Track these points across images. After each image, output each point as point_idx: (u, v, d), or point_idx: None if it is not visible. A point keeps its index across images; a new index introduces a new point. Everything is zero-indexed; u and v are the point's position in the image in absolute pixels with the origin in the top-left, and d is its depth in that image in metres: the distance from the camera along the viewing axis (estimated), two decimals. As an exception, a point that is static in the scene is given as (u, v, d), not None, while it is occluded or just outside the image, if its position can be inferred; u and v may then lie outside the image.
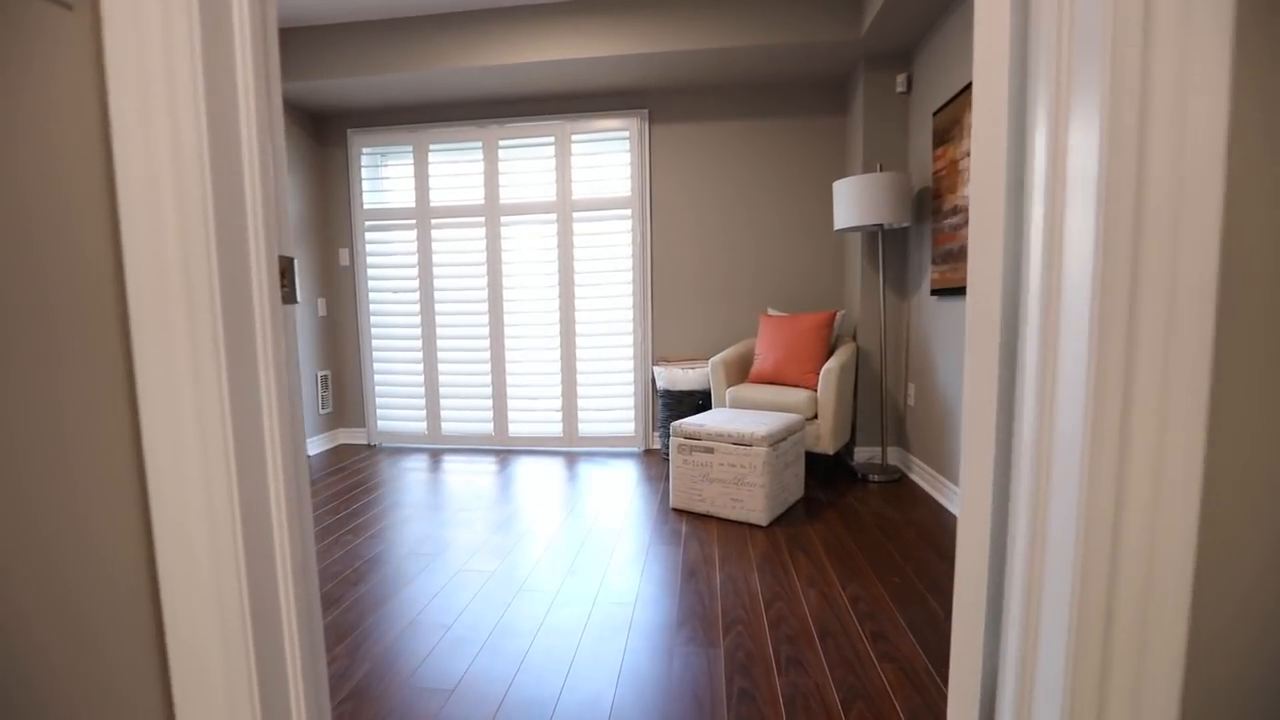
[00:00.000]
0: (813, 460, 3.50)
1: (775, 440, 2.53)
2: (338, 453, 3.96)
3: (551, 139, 3.74)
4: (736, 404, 3.15)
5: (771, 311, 3.55)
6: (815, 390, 3.09)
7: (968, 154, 2.43)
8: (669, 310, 3.82)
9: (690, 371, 3.53)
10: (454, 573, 2.16)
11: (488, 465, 3.62)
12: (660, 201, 3.75)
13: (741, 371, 3.42)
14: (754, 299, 3.75)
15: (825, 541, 2.38)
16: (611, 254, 3.78)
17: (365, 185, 3.96)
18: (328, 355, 4.06)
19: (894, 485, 3.09)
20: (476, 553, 2.34)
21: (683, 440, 2.69)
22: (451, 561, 2.27)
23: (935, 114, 2.75)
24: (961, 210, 2.49)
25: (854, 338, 3.47)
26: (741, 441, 2.53)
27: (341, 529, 2.62)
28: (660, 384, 3.61)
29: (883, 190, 2.88)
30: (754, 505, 2.52)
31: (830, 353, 3.28)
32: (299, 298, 3.59)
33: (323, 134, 3.97)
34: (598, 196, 3.74)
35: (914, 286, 3.15)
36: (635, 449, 3.91)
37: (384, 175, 3.97)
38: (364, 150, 3.92)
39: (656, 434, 3.91)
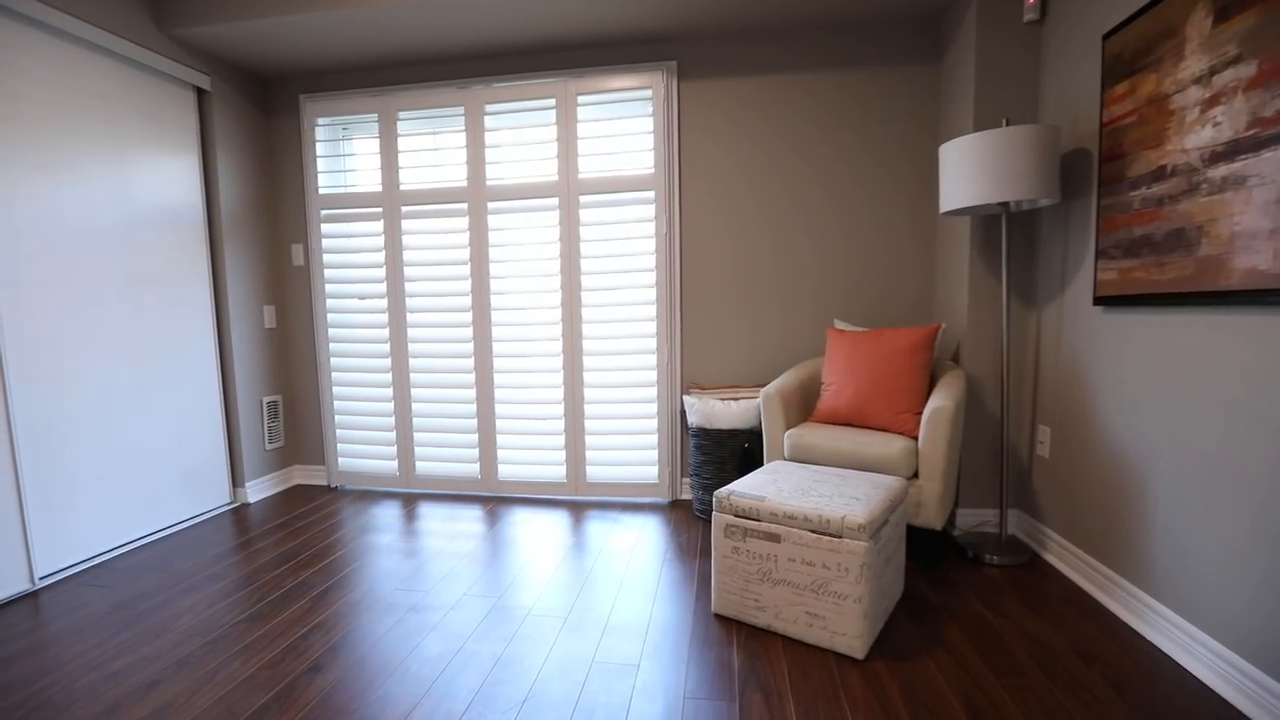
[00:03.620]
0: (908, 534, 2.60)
1: (877, 526, 1.65)
2: (290, 497, 3.16)
3: (552, 102, 2.91)
4: (800, 454, 2.27)
5: (840, 325, 2.67)
6: (915, 438, 2.20)
7: (1197, 80, 1.53)
8: (703, 322, 2.96)
9: (733, 405, 2.66)
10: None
11: (468, 523, 2.79)
12: (692, 181, 2.90)
13: (803, 406, 2.54)
14: (817, 308, 2.87)
15: (962, 693, 1.49)
16: (628, 249, 2.93)
17: (321, 165, 3.17)
18: (277, 376, 3.27)
19: (1023, 571, 2.18)
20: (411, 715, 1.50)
21: (731, 520, 1.82)
22: (372, 728, 1.43)
23: (1108, 37, 1.86)
24: (1178, 172, 1.59)
25: (954, 359, 2.58)
26: (826, 529, 1.66)
27: (259, 627, 1.80)
28: (692, 419, 2.75)
29: (1016, 152, 1.99)
30: (845, 626, 1.64)
31: (931, 383, 2.39)
32: (238, 306, 2.84)
33: (269, 101, 3.19)
34: (611, 175, 2.90)
35: (1053, 290, 2.25)
36: (659, 499, 3.05)
37: (343, 153, 3.17)
38: (319, 121, 3.13)
39: (686, 481, 3.05)
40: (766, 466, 2.12)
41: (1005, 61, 2.33)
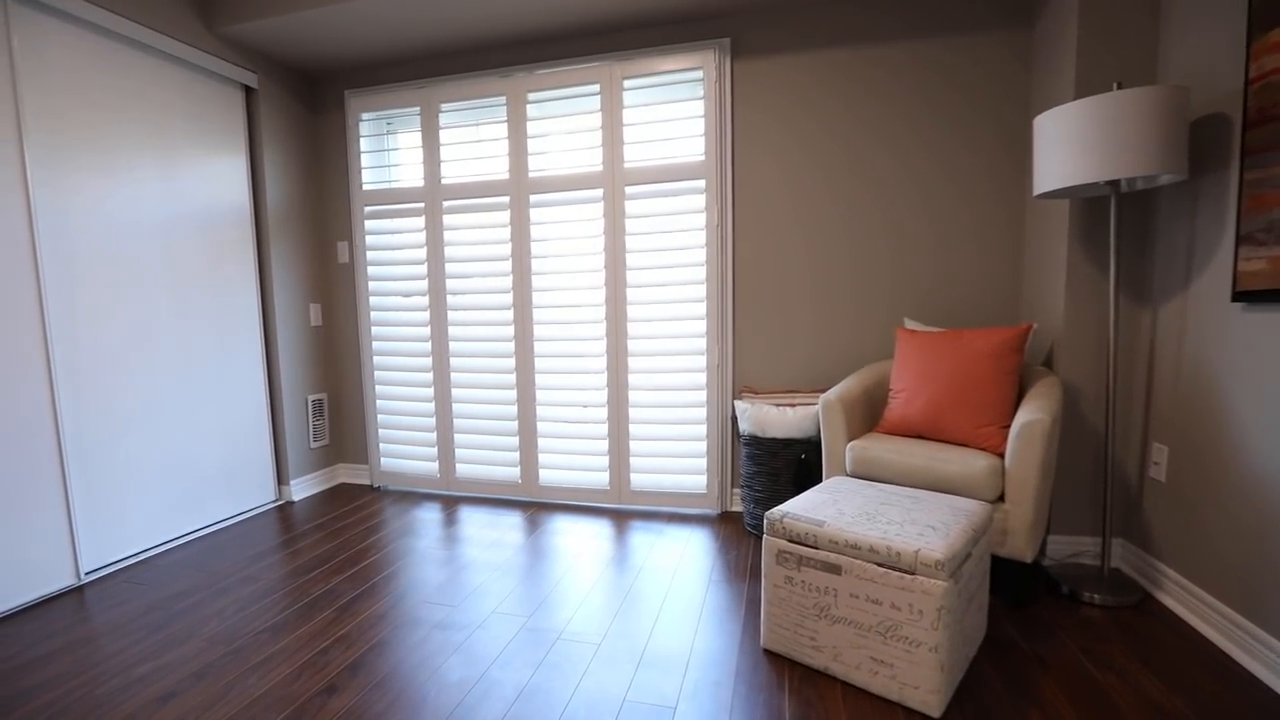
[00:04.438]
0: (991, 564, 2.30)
1: (958, 561, 1.40)
2: (333, 497, 3.14)
3: (596, 87, 2.75)
4: (864, 469, 2.02)
5: (911, 325, 2.39)
6: (1000, 455, 1.91)
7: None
8: (757, 321, 2.73)
9: (789, 411, 2.43)
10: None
11: (506, 530, 2.67)
12: (746, 168, 2.67)
13: (868, 415, 2.28)
14: (887, 305, 2.59)
15: (1070, 777, 1.23)
16: (676, 242, 2.74)
17: (365, 161, 3.12)
18: (322, 375, 3.26)
19: (1133, 614, 1.86)
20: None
21: (784, 546, 1.60)
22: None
23: (1256, -27, 1.53)
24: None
25: (1047, 364, 2.25)
26: (896, 563, 1.42)
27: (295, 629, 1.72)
28: (744, 426, 2.53)
29: (1131, 120, 1.68)
30: (918, 678, 1.40)
31: (1020, 392, 2.09)
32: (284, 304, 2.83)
33: (316, 99, 3.17)
34: (658, 164, 2.72)
35: (1174, 284, 1.90)
36: (707, 511, 2.85)
37: (387, 148, 3.12)
38: (363, 116, 3.08)
39: (737, 492, 2.83)
40: (826, 483, 1.89)
41: (1114, 14, 2.00)
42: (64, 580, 2.16)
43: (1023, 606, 1.91)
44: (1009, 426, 1.94)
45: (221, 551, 2.47)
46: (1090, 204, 2.07)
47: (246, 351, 2.87)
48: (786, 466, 2.44)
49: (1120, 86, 1.96)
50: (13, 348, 2.02)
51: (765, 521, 1.65)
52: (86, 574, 2.24)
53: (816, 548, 1.55)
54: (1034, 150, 1.95)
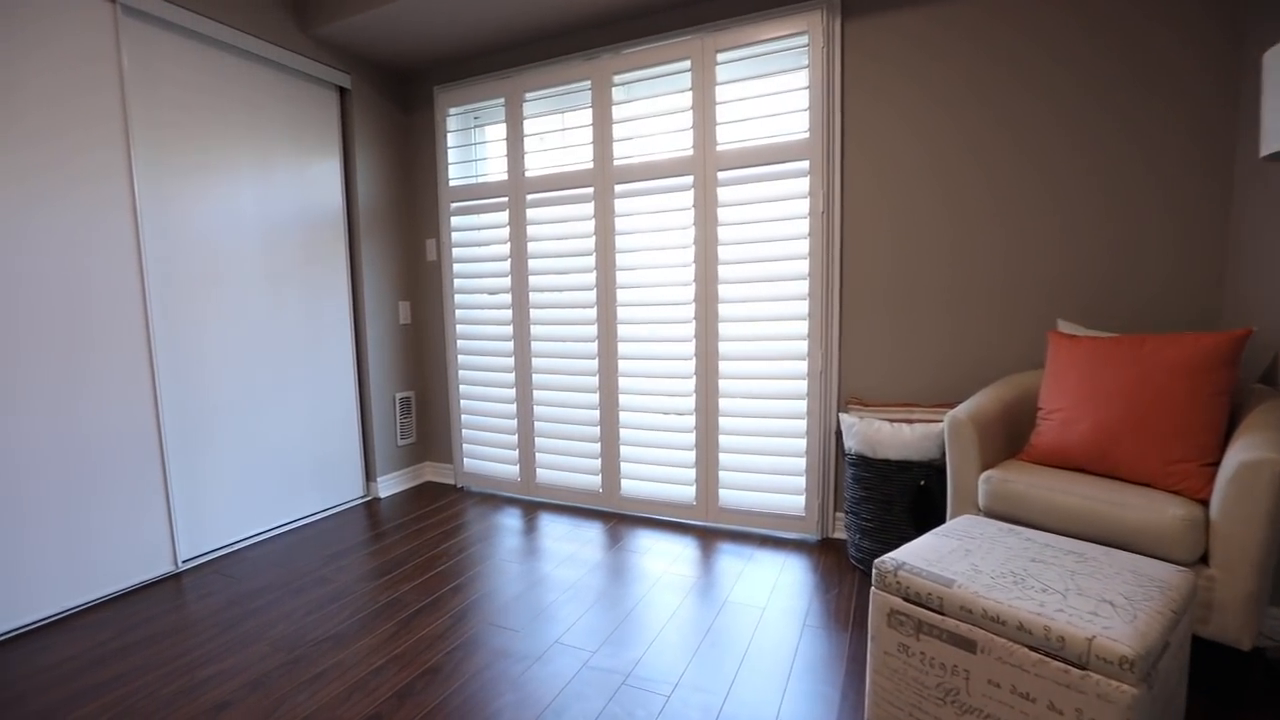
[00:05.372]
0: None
1: (1153, 657, 1.01)
2: (418, 495, 3.13)
3: (686, 64, 2.50)
4: (1003, 507, 1.62)
5: (1066, 327, 1.93)
6: (1202, 501, 1.45)
7: None
8: (868, 322, 2.36)
9: (905, 429, 2.05)
10: None
11: (583, 544, 2.49)
12: (858, 144, 2.31)
13: (1008, 439, 1.86)
14: (1040, 303, 2.13)
15: None
16: (775, 232, 2.43)
17: (452, 156, 3.08)
18: (411, 373, 3.27)
19: None
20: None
21: (899, 605, 1.27)
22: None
23: None
24: None
25: (1265, 380, 1.72)
26: (1058, 651, 1.05)
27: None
28: (850, 443, 2.18)
29: None
30: (1087, 810, 1.03)
31: (1232, 418, 1.59)
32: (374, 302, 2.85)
33: (407, 97, 3.17)
34: (754, 145, 2.42)
35: None
36: (806, 536, 2.51)
37: (473, 142, 3.05)
38: (450, 111, 3.03)
39: (840, 517, 2.47)
40: (954, 523, 1.52)
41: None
42: (164, 567, 2.25)
43: (1236, 709, 1.44)
44: (1215, 464, 1.47)
45: (305, 547, 2.49)
46: (1344, 166, 1.53)
47: (338, 349, 2.90)
48: (901, 494, 2.07)
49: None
50: (121, 349, 2.11)
51: (875, 571, 1.32)
52: (184, 562, 2.32)
53: (943, 613, 1.21)
54: (1262, 96, 1.46)
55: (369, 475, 3.08)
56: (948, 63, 2.16)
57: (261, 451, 2.58)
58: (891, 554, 1.34)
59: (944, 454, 2.03)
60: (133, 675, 1.65)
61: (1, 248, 1.84)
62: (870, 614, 1.34)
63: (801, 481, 2.48)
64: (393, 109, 3.10)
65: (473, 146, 3.06)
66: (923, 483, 2.04)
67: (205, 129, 2.35)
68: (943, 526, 1.49)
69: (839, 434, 2.43)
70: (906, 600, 1.27)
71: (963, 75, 2.14)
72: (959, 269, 2.21)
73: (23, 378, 1.88)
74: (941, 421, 2.12)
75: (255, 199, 2.54)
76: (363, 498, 3.06)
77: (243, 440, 2.51)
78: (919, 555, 1.32)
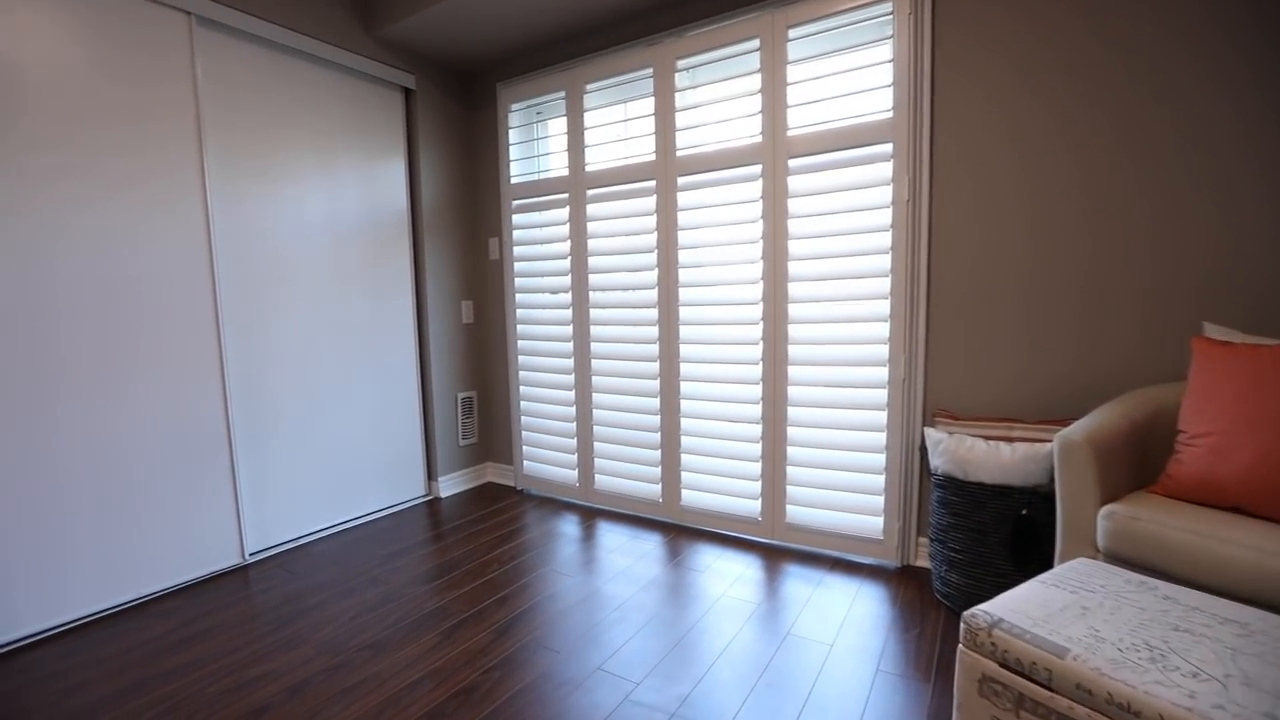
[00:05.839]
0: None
1: (1360, 785, 0.74)
2: (479, 496, 3.11)
3: (755, 43, 2.30)
4: (1131, 550, 1.34)
5: (1214, 332, 1.59)
6: None
7: None
8: (963, 324, 2.08)
9: (1003, 449, 1.78)
10: None
11: (639, 558, 2.36)
12: (947, 127, 2.04)
13: (1135, 466, 1.55)
14: (1184, 302, 1.79)
15: None
16: (853, 224, 2.19)
17: (513, 153, 3.03)
18: (473, 372, 3.25)
19: None
20: None
21: (994, 671, 1.05)
22: None
23: None
24: None
25: None
26: (1215, 760, 0.80)
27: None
28: (936, 461, 1.92)
29: None
30: None
31: None
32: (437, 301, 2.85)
33: (471, 95, 3.15)
34: (831, 128, 2.19)
35: None
36: (884, 562, 2.26)
37: (534, 137, 2.98)
38: (512, 107, 2.98)
39: (923, 543, 2.20)
40: (1066, 568, 1.26)
41: None
42: (231, 559, 2.31)
43: None
44: None
45: (364, 545, 2.51)
46: None
47: (401, 348, 2.92)
48: (997, 523, 1.79)
49: None
50: (193, 348, 2.18)
51: (964, 625, 1.10)
52: (250, 555, 2.38)
53: (1051, 689, 0.97)
54: None
55: (431, 475, 3.09)
56: (1049, 27, 1.84)
57: (326, 449, 2.63)
58: (986, 606, 1.11)
59: (1051, 480, 1.73)
60: (185, 669, 1.67)
61: (117, 255, 1.96)
62: (956, 677, 1.11)
63: (879, 501, 2.23)
64: (456, 108, 3.09)
65: (534, 142, 2.99)
66: (1024, 512, 1.75)
67: (273, 132, 2.40)
68: (1052, 572, 1.23)
69: (923, 450, 2.16)
70: (1004, 667, 1.04)
71: (1047, 58, 1.82)
72: (1075, 263, 1.89)
73: (137, 377, 2.01)
74: (1049, 442, 1.81)
75: (322, 200, 2.58)
76: (424, 497, 3.07)
77: (308, 438, 2.56)
78: (1021, 610, 1.08)
